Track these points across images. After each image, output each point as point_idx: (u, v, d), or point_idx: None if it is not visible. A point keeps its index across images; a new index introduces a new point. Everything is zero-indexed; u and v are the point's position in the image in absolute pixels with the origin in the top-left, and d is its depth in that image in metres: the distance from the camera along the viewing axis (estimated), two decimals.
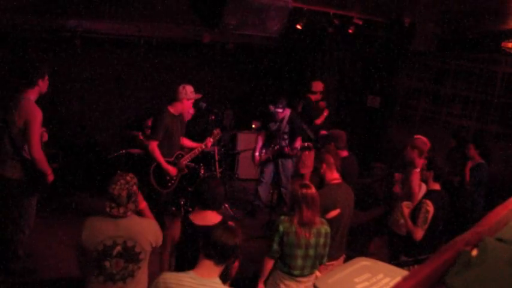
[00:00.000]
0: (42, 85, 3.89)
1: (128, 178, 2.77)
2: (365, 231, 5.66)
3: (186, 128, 5.16)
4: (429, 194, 3.81)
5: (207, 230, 2.88)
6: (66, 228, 5.01)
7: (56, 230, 5.00)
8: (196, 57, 7.33)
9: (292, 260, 3.14)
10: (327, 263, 3.70)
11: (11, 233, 3.98)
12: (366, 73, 8.14)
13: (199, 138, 6.57)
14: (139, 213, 2.95)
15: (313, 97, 6.67)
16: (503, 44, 5.89)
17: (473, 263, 0.96)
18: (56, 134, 5.24)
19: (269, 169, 5.93)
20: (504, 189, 5.85)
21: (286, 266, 3.17)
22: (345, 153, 4.47)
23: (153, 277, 2.57)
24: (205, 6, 4.47)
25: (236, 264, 3.09)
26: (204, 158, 6.31)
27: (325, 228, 3.24)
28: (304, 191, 3.15)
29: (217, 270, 2.41)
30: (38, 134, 3.76)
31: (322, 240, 3.21)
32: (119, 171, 2.96)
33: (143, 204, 3.00)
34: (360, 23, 6.28)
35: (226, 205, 6.07)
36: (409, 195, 4.22)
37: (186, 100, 4.71)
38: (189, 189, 5.74)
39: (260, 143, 5.90)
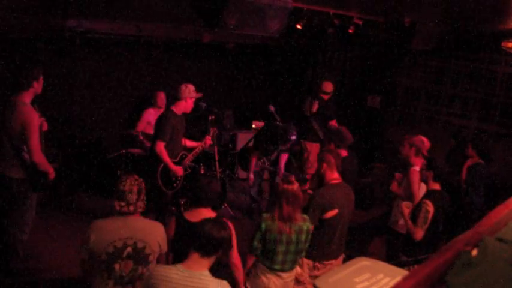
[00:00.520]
0: (37, 86, 3.88)
1: (136, 176, 2.81)
2: (365, 231, 5.66)
3: (186, 128, 5.17)
4: (429, 194, 3.81)
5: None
6: (66, 228, 5.01)
7: (56, 230, 5.00)
8: (196, 57, 7.33)
9: (274, 255, 3.20)
10: (326, 262, 3.72)
11: (11, 232, 3.98)
12: (366, 73, 8.13)
13: (199, 138, 6.59)
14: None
15: (326, 97, 6.63)
16: (503, 44, 5.88)
17: (473, 263, 0.96)
18: (56, 134, 5.25)
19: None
20: (504, 189, 5.85)
21: (267, 261, 3.24)
22: (344, 153, 4.47)
23: None
24: (205, 6, 4.48)
25: (234, 253, 3.16)
26: (204, 158, 6.31)
27: (307, 225, 3.29)
28: (285, 186, 3.19)
29: (205, 262, 2.41)
30: (36, 138, 3.76)
31: (303, 236, 3.27)
32: (120, 172, 2.98)
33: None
34: (360, 23, 6.28)
35: (226, 205, 6.08)
36: (407, 194, 4.21)
37: (189, 98, 4.72)
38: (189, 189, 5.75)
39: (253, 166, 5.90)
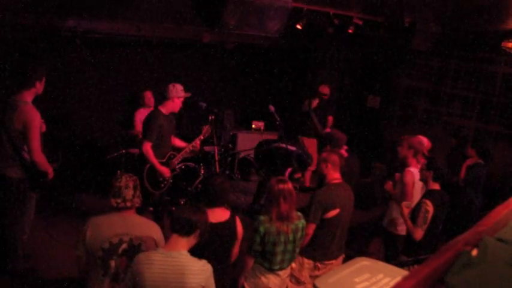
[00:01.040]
0: (39, 87, 3.88)
1: (131, 174, 2.88)
2: (365, 231, 5.66)
3: (185, 128, 5.16)
4: (429, 194, 3.81)
5: (219, 226, 2.98)
6: (66, 228, 5.01)
7: (56, 230, 5.00)
8: (196, 57, 7.33)
9: (273, 257, 3.22)
10: (326, 262, 3.72)
11: (11, 232, 3.98)
12: (366, 73, 8.14)
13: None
14: None
15: (324, 98, 7.21)
16: (503, 44, 5.88)
17: (473, 263, 0.96)
18: (56, 134, 5.25)
19: None
20: (504, 189, 5.85)
21: (266, 262, 3.25)
22: (345, 154, 4.48)
23: None
24: (205, 6, 4.48)
25: (236, 250, 3.23)
26: (204, 158, 6.31)
27: (302, 223, 3.32)
28: (281, 185, 3.23)
29: (184, 242, 2.53)
30: (37, 137, 3.76)
31: (299, 234, 3.29)
32: (119, 172, 3.00)
33: None
34: (360, 23, 6.29)
35: (226, 204, 6.07)
36: (402, 194, 4.21)
37: (177, 98, 4.69)
38: (189, 189, 5.74)
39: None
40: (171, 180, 4.86)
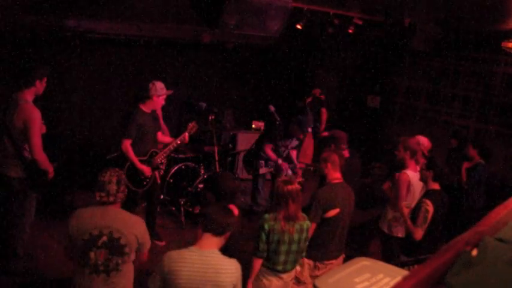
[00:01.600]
0: (39, 86, 3.88)
1: (117, 169, 2.93)
2: (365, 231, 5.66)
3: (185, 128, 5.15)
4: (429, 194, 3.81)
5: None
6: (66, 228, 5.00)
7: (56, 230, 4.99)
8: (196, 57, 7.33)
9: (276, 255, 3.22)
10: (326, 262, 3.72)
11: (11, 232, 3.98)
12: (366, 73, 8.13)
13: (199, 138, 6.59)
14: None
15: (317, 96, 7.57)
16: (503, 44, 5.87)
17: (473, 263, 0.96)
18: (56, 133, 5.25)
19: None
20: (504, 189, 5.85)
21: (269, 262, 3.25)
22: (346, 154, 4.49)
23: None
24: (205, 5, 4.47)
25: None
26: (204, 158, 6.31)
27: (307, 224, 3.33)
28: (289, 187, 3.25)
29: (215, 241, 2.58)
30: (38, 135, 3.76)
31: (304, 235, 3.29)
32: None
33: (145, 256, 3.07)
34: (360, 23, 6.28)
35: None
36: (395, 197, 4.20)
37: (156, 97, 4.69)
38: (189, 189, 5.74)
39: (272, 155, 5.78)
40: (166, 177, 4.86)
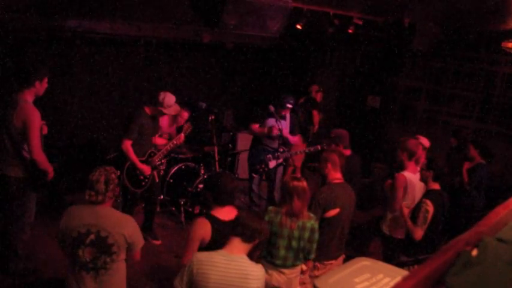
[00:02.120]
0: (39, 87, 3.86)
1: (108, 168, 2.93)
2: (365, 231, 5.66)
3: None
4: (429, 194, 3.81)
5: (231, 224, 2.97)
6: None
7: (56, 230, 4.99)
8: (196, 57, 7.33)
9: (275, 249, 3.23)
10: (326, 262, 3.71)
11: (11, 232, 3.98)
12: (366, 73, 8.13)
13: (200, 138, 6.59)
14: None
15: (311, 96, 7.57)
16: (503, 44, 5.87)
17: (473, 263, 0.95)
18: (56, 134, 5.24)
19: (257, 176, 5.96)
20: (504, 189, 5.85)
21: (269, 255, 3.27)
22: (348, 152, 4.49)
23: (158, 276, 2.55)
24: (205, 5, 4.47)
25: None
26: (204, 158, 6.30)
27: (311, 223, 3.30)
28: (295, 183, 3.27)
29: (244, 247, 2.59)
30: (37, 135, 3.76)
31: (307, 234, 3.27)
32: (118, 172, 3.03)
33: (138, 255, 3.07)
34: (360, 23, 6.28)
35: None
36: (391, 198, 4.20)
37: (161, 107, 4.65)
38: (189, 189, 5.74)
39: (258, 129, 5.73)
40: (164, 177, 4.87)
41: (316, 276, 3.51)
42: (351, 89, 8.42)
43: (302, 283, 3.70)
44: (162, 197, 5.77)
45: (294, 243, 3.24)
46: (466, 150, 5.47)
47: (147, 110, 4.71)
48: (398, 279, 2.41)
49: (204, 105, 5.66)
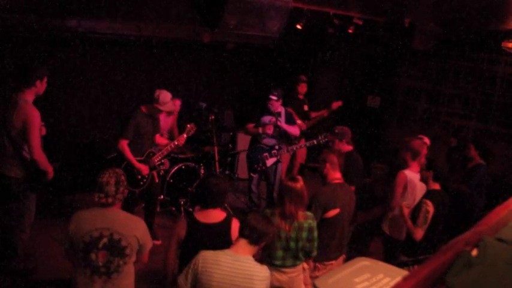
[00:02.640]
0: (40, 87, 3.87)
1: (117, 170, 2.93)
2: (365, 231, 5.65)
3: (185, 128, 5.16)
4: (429, 194, 3.81)
5: (211, 227, 2.96)
6: (66, 232, 5.00)
7: (56, 230, 4.99)
8: (196, 57, 7.32)
9: (273, 250, 3.22)
10: (326, 263, 3.71)
11: (11, 232, 3.98)
12: (366, 73, 8.13)
13: (200, 138, 6.59)
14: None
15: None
16: (503, 44, 5.88)
17: (473, 263, 0.95)
18: (56, 134, 5.25)
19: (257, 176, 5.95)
20: (504, 189, 5.85)
21: (268, 256, 3.25)
22: (350, 147, 4.52)
23: (156, 276, 2.55)
24: (205, 6, 4.48)
25: None
26: (204, 158, 6.30)
27: (308, 223, 3.28)
28: (289, 184, 3.23)
29: (250, 249, 2.60)
30: (37, 136, 3.76)
31: (304, 234, 3.25)
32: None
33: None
34: (360, 23, 6.28)
35: (226, 205, 6.07)
36: (391, 196, 4.20)
37: (157, 104, 4.64)
38: (189, 189, 5.74)
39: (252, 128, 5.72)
40: (163, 177, 4.86)
41: (316, 277, 3.51)
42: (351, 89, 8.42)
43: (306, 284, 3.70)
44: (162, 197, 5.76)
45: (292, 244, 3.23)
46: (467, 151, 5.46)
47: (144, 109, 4.71)
48: (398, 279, 2.41)
49: (204, 105, 5.66)
